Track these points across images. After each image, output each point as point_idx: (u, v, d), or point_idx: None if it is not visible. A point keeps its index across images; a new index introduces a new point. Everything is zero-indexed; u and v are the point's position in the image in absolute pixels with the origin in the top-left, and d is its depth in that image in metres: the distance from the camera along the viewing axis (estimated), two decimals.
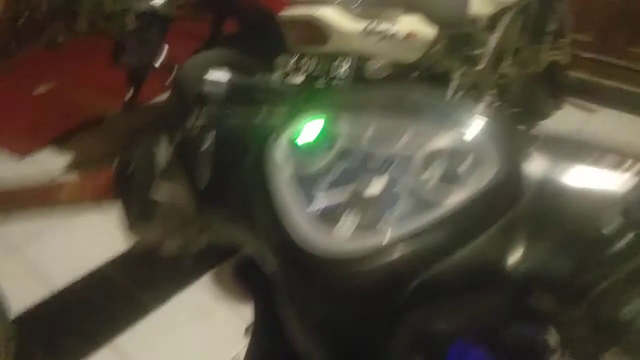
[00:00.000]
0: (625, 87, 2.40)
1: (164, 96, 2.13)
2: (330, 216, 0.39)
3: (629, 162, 0.38)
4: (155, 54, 1.60)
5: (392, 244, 0.36)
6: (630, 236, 0.31)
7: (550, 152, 0.39)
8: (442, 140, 0.40)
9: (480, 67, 1.68)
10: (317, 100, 0.47)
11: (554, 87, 2.18)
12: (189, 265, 1.58)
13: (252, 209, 0.42)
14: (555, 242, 0.34)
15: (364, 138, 0.42)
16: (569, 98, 2.29)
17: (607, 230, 0.31)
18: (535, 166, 0.38)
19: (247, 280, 0.58)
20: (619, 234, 0.31)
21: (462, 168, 0.38)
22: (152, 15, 1.60)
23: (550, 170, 0.38)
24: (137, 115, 1.89)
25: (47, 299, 1.58)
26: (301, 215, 0.39)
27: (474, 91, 1.75)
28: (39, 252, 1.73)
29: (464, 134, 0.40)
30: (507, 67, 1.88)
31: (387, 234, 0.37)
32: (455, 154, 0.39)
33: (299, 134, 0.44)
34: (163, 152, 0.46)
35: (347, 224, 0.38)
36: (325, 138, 0.43)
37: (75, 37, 1.67)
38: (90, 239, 1.79)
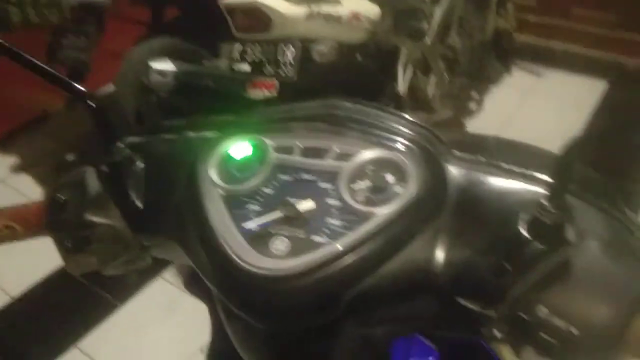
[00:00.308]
0: (571, 48, 2.46)
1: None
2: (264, 234, 0.39)
3: (544, 159, 0.40)
4: (94, 46, 1.55)
5: (326, 259, 0.37)
6: (543, 237, 0.32)
7: (471, 155, 0.40)
8: (369, 152, 0.40)
9: (427, 40, 1.69)
10: (246, 116, 0.47)
11: (501, 53, 2.22)
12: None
13: (186, 230, 0.42)
14: (476, 246, 0.36)
15: (294, 153, 0.42)
16: (517, 63, 2.33)
17: (523, 230, 0.33)
18: (457, 172, 0.39)
19: (200, 288, 0.59)
20: (534, 234, 0.32)
21: (390, 179, 0.39)
22: (88, 6, 1.54)
23: (471, 174, 0.39)
24: (81, 112, 1.82)
25: (7, 306, 1.55)
26: (235, 234, 0.39)
27: (422, 65, 1.76)
28: None
29: (390, 145, 0.40)
30: (454, 37, 1.90)
31: (321, 249, 0.37)
32: (382, 166, 0.39)
33: (230, 152, 0.44)
34: (93, 180, 0.45)
35: (281, 241, 0.38)
36: (256, 155, 0.43)
37: (9, 32, 1.58)
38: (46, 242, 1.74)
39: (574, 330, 0.31)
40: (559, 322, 0.31)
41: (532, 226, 0.33)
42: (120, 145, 0.45)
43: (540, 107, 2.19)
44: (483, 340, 0.52)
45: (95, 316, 1.52)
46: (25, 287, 1.60)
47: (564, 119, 2.05)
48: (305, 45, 1.34)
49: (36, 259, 1.67)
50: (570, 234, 0.33)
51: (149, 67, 1.44)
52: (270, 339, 0.40)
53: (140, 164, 0.45)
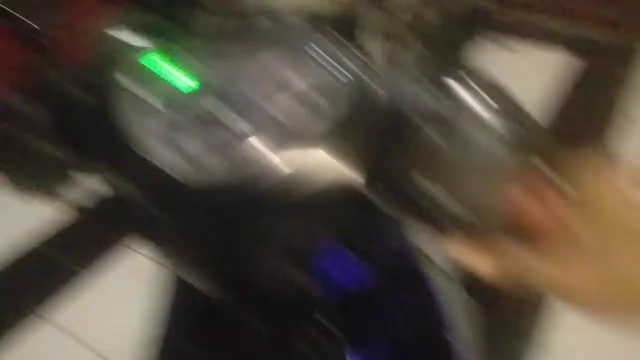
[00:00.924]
0: (546, 23, 2.48)
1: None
2: (202, 151, 0.40)
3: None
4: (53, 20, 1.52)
5: (254, 172, 0.37)
6: (424, 116, 0.34)
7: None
8: (300, 73, 0.41)
9: (398, 13, 1.69)
10: (178, 37, 0.47)
11: (476, 28, 2.23)
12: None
13: (117, 150, 0.42)
14: (372, 138, 0.37)
15: (227, 75, 0.43)
16: (492, 38, 2.35)
17: (415, 117, 0.34)
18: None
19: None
20: (424, 121, 0.34)
21: (320, 99, 0.40)
22: None
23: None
24: None
25: None
26: (172, 152, 0.40)
27: (394, 39, 1.76)
28: None
29: (319, 65, 0.42)
30: (427, 11, 1.90)
31: (254, 163, 0.38)
32: (314, 87, 0.41)
33: (160, 72, 0.44)
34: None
35: (218, 159, 0.39)
36: (190, 77, 0.43)
37: None
38: (4, 219, 1.71)
39: (456, 204, 0.32)
40: (443, 198, 0.33)
41: (422, 112, 0.34)
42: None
43: (514, 82, 2.21)
44: (417, 265, 0.53)
45: (57, 284, 1.50)
46: None
47: (537, 93, 2.08)
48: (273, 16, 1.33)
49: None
50: (453, 114, 0.34)
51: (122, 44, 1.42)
52: (205, 248, 0.41)
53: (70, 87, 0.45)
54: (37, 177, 0.47)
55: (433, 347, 0.57)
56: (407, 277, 0.55)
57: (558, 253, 0.30)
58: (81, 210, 1.42)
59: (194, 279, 0.46)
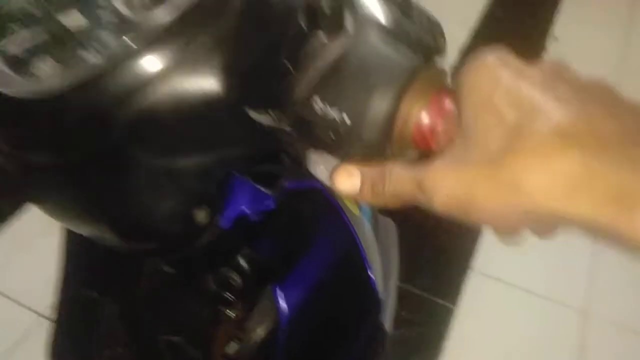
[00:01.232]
0: None
1: None
2: (29, 58, 0.34)
3: None
4: None
5: (94, 74, 0.32)
6: (322, 28, 0.29)
7: None
8: None
9: None
10: None
11: None
12: None
13: None
14: (260, 49, 0.32)
15: None
16: None
17: (302, 23, 0.30)
18: None
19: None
20: (313, 26, 0.30)
21: None
22: None
23: None
24: None
25: None
26: None
27: None
28: None
29: None
30: None
31: (91, 66, 0.32)
32: None
33: None
34: None
35: (48, 63, 0.33)
36: None
37: None
38: None
39: (347, 119, 0.29)
40: (333, 113, 0.29)
41: (311, 17, 0.30)
42: None
43: None
44: (319, 183, 0.51)
45: None
46: None
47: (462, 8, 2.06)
48: None
49: None
50: (348, 23, 0.30)
51: None
52: (51, 173, 0.36)
53: None
54: None
55: (350, 278, 0.57)
56: (322, 208, 0.53)
57: (441, 160, 0.27)
58: None
59: (71, 226, 0.42)
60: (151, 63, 0.32)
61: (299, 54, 0.30)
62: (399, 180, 0.29)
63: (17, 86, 0.33)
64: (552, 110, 0.24)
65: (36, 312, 1.27)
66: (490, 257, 1.43)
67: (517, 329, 1.30)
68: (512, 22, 2.08)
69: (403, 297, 1.22)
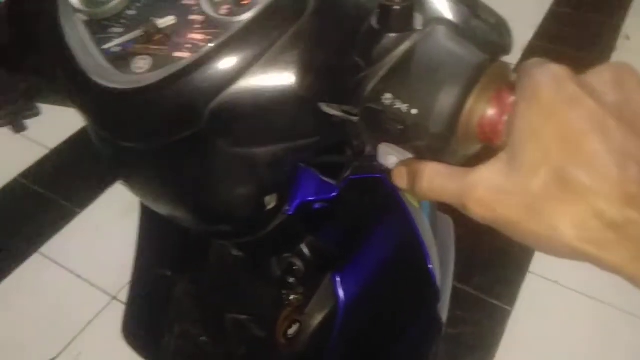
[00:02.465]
0: None
1: None
2: (125, 54, 0.38)
3: None
4: None
5: (185, 70, 0.35)
6: (393, 26, 0.31)
7: None
8: None
9: None
10: None
11: None
12: None
13: (51, 60, 0.41)
14: (333, 47, 0.35)
15: None
16: None
17: (374, 21, 0.32)
18: None
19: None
20: (384, 24, 0.32)
21: None
22: None
23: None
24: None
25: None
26: (96, 56, 0.38)
27: None
28: None
29: None
30: None
31: (181, 62, 0.36)
32: None
33: None
34: None
35: (142, 59, 0.37)
36: None
37: None
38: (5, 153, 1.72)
39: (414, 111, 0.31)
40: (401, 106, 0.31)
41: (382, 16, 0.32)
42: None
43: None
44: (382, 175, 0.53)
45: (56, 223, 1.52)
46: None
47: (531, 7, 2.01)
48: None
49: None
50: (417, 21, 0.32)
51: None
52: (142, 158, 0.40)
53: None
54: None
55: (409, 268, 0.58)
56: (383, 198, 0.55)
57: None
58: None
59: (154, 206, 0.46)
60: (234, 60, 0.36)
61: (371, 51, 0.32)
62: (442, 182, 0.30)
63: (117, 80, 0.37)
64: (601, 167, 0.24)
65: (108, 294, 1.36)
66: (548, 260, 1.38)
67: (573, 333, 1.27)
68: (579, 21, 2.01)
69: (458, 297, 1.22)
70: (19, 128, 0.49)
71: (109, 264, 1.41)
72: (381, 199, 0.52)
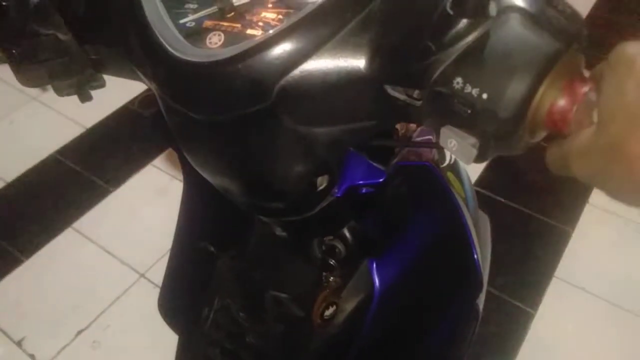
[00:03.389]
0: None
1: None
2: (200, 29, 0.40)
3: None
4: None
5: (258, 46, 0.37)
6: (467, 12, 0.32)
7: None
8: None
9: None
10: None
11: None
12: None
13: (128, 35, 0.43)
14: (404, 30, 0.36)
15: None
16: None
17: (448, 7, 0.33)
18: None
19: (163, 129, 0.60)
20: (458, 10, 0.32)
21: None
22: None
23: None
24: None
25: (2, 190, 1.60)
26: (172, 30, 0.40)
27: None
28: None
29: None
30: None
31: (256, 39, 0.38)
32: None
33: None
34: None
35: (216, 35, 0.39)
36: None
37: None
38: (35, 131, 1.77)
39: (484, 95, 0.31)
40: (471, 90, 0.32)
41: (457, 1, 0.33)
42: None
43: None
44: (429, 163, 0.54)
45: (90, 200, 1.56)
46: (20, 172, 1.64)
47: None
48: None
49: (29, 146, 1.71)
50: (492, 8, 0.32)
51: None
52: (208, 129, 0.41)
53: None
54: (67, 75, 0.48)
55: (453, 257, 0.59)
56: (431, 187, 0.55)
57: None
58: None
59: (211, 178, 0.48)
60: (305, 40, 0.37)
61: (444, 35, 0.33)
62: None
63: (192, 53, 0.38)
64: None
65: (137, 272, 1.39)
66: (575, 266, 1.39)
67: (596, 340, 1.26)
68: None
69: None
70: (84, 97, 0.51)
71: (139, 242, 1.45)
72: (428, 187, 0.53)
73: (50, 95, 2.00)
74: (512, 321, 1.31)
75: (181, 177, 0.68)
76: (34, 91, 1.87)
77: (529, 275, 1.38)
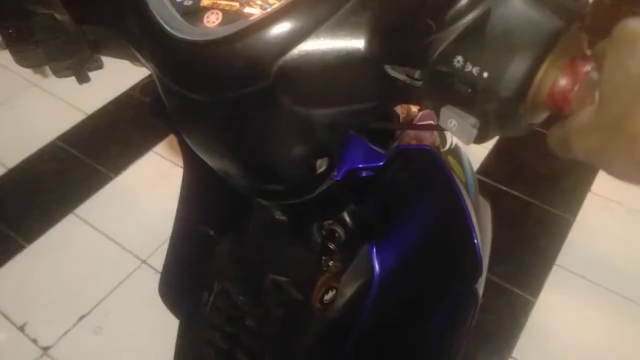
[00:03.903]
0: None
1: None
2: (197, 8, 0.39)
3: None
4: None
5: (256, 25, 0.36)
6: None
7: None
8: None
9: None
10: None
11: None
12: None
13: (125, 14, 0.42)
14: (403, 7, 0.35)
15: None
16: None
17: None
18: None
19: (164, 114, 0.60)
20: None
21: None
22: None
23: None
24: None
25: (2, 177, 1.60)
26: (169, 9, 0.39)
27: None
28: None
29: None
30: None
31: (254, 17, 0.37)
32: None
33: None
34: None
35: (214, 14, 0.39)
36: None
37: None
38: (36, 117, 1.76)
39: (485, 74, 0.31)
40: (472, 68, 0.31)
41: None
42: None
43: None
44: (429, 147, 0.54)
45: (91, 186, 1.56)
46: (21, 158, 1.64)
47: None
48: None
49: (31, 132, 1.71)
50: None
51: None
52: (207, 110, 0.41)
53: None
54: (64, 55, 0.48)
55: (453, 242, 0.59)
56: (431, 170, 0.55)
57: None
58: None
59: (211, 160, 0.47)
60: (303, 19, 0.36)
61: (444, 14, 0.33)
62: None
63: (189, 32, 0.38)
64: None
65: (138, 258, 1.40)
66: (576, 254, 1.39)
67: (596, 329, 1.26)
68: None
69: None
70: (82, 79, 0.50)
71: (140, 229, 1.45)
72: (428, 171, 0.53)
73: (51, 81, 2.00)
74: (512, 309, 1.31)
75: (182, 163, 0.67)
76: (35, 77, 1.86)
77: (530, 263, 1.38)
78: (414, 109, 0.63)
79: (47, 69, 0.50)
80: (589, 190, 1.52)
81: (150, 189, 1.55)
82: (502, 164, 1.58)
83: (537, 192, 1.52)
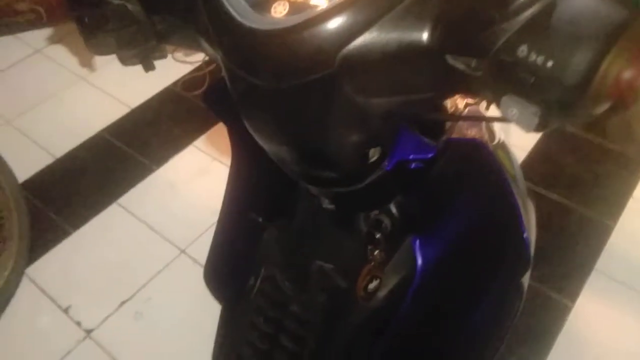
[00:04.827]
0: None
1: None
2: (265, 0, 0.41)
3: None
4: None
5: (321, 16, 0.38)
6: None
7: None
8: None
9: None
10: None
11: None
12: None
13: (195, 5, 0.44)
14: (467, 2, 0.36)
15: None
16: None
17: None
18: None
19: (217, 104, 0.62)
20: None
21: None
22: None
23: None
24: None
25: (50, 166, 1.66)
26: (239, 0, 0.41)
27: None
28: (33, 125, 1.78)
29: None
30: None
31: (320, 8, 0.39)
32: None
33: None
34: None
35: (281, 5, 0.40)
36: None
37: None
38: (83, 109, 1.83)
39: (549, 63, 0.32)
40: (536, 58, 0.32)
41: None
42: None
43: None
44: (479, 140, 0.54)
45: (134, 177, 1.61)
46: (68, 149, 1.70)
47: None
48: None
49: (78, 124, 1.77)
50: None
51: None
52: (271, 97, 0.43)
53: None
54: (133, 44, 0.50)
55: (501, 234, 0.59)
56: (480, 163, 0.56)
57: None
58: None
59: (268, 145, 0.49)
60: (367, 10, 0.38)
61: (509, 5, 0.34)
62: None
63: (258, 21, 0.40)
64: None
65: (178, 248, 1.44)
66: (616, 260, 1.36)
67: (635, 336, 1.24)
68: None
69: None
70: (148, 67, 0.53)
71: (180, 219, 1.49)
72: (477, 163, 0.54)
73: (97, 75, 2.07)
74: (548, 313, 1.29)
75: (221, 158, 0.70)
76: (82, 71, 1.93)
77: (568, 268, 1.36)
78: (461, 104, 0.64)
79: (95, 62, 0.53)
80: (630, 195, 1.49)
81: (190, 182, 1.59)
82: (541, 167, 1.56)
83: (576, 196, 1.49)
